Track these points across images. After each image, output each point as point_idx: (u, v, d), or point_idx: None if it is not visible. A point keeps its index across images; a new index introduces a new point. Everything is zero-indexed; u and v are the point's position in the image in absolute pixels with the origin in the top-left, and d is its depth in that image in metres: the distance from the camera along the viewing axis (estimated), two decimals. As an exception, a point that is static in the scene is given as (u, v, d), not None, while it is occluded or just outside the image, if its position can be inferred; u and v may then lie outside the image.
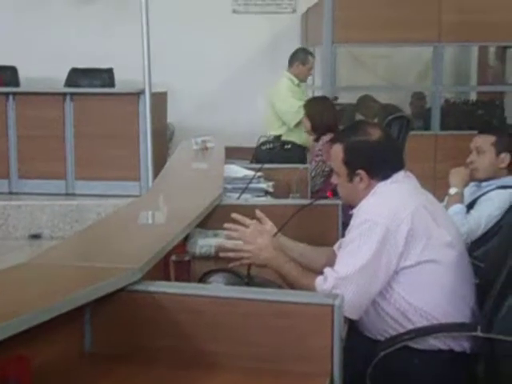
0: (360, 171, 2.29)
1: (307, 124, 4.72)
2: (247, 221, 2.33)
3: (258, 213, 2.38)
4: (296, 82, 6.24)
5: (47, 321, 1.56)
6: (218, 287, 2.07)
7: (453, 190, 3.32)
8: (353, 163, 2.31)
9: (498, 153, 3.34)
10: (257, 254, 2.27)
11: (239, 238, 2.31)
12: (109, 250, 2.25)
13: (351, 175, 2.32)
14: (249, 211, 3.02)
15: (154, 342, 1.82)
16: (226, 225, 2.35)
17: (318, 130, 4.66)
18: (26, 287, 1.79)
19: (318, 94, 6.87)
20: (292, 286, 2.21)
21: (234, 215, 2.35)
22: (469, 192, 3.40)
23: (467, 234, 3.17)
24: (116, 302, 1.82)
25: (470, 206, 3.30)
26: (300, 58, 6.27)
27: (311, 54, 6.39)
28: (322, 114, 4.68)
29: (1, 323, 1.44)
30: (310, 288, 2.13)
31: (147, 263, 1.97)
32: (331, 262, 2.23)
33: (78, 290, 1.70)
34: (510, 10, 6.46)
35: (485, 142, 3.37)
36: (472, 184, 3.44)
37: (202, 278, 2.21)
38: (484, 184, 3.37)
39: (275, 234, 2.37)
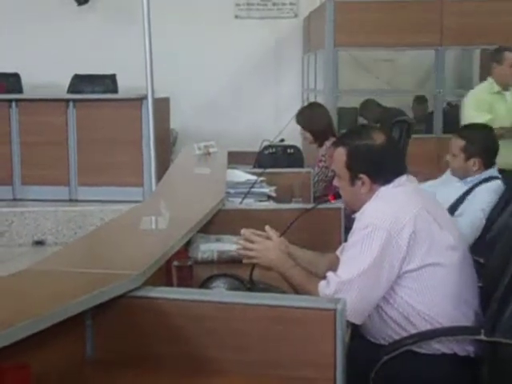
0: (362, 175, 2.29)
1: (307, 135, 4.70)
2: (256, 238, 2.33)
3: (268, 228, 2.37)
4: (496, 89, 4.78)
5: (49, 327, 1.56)
6: (219, 293, 2.07)
7: None
8: (355, 167, 2.30)
9: (467, 158, 3.35)
10: (264, 255, 2.28)
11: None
12: (111, 256, 2.25)
13: (353, 179, 2.31)
14: (251, 216, 3.05)
15: (156, 348, 1.82)
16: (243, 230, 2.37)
17: (319, 137, 4.65)
18: (28, 294, 1.79)
19: (320, 98, 6.87)
20: (296, 289, 2.21)
21: (244, 231, 2.35)
22: (454, 187, 3.40)
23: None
24: (117, 308, 1.81)
25: (460, 202, 3.31)
26: (495, 58, 4.87)
27: (508, 48, 4.94)
28: (317, 120, 4.66)
29: (2, 330, 1.44)
30: (314, 293, 2.13)
31: (149, 269, 1.97)
32: (334, 267, 2.23)
33: (80, 297, 1.70)
34: (510, 14, 6.45)
35: (455, 146, 3.39)
36: (454, 180, 3.45)
37: (204, 284, 2.20)
38: (469, 179, 3.37)
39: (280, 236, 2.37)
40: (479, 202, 3.27)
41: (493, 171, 3.38)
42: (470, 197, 3.34)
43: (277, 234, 2.36)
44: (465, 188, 3.39)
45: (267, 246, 2.29)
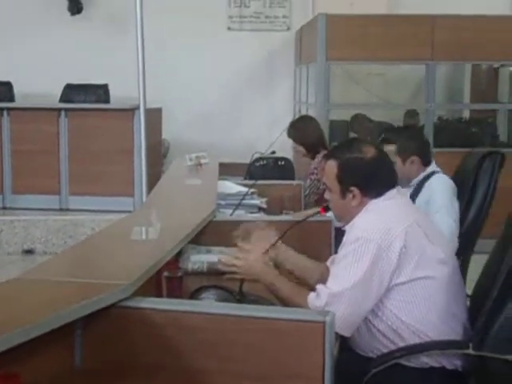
0: (353, 188, 2.30)
1: (300, 149, 4.70)
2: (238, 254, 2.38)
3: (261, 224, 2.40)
4: None
5: (38, 336, 1.56)
6: (209, 304, 2.07)
7: None
8: (346, 180, 2.32)
9: (404, 160, 3.34)
10: (247, 269, 2.29)
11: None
12: (100, 266, 2.24)
13: (344, 192, 2.32)
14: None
15: (145, 358, 1.82)
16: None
17: (311, 150, 4.65)
18: (17, 303, 1.78)
19: (312, 110, 6.90)
20: (284, 302, 2.21)
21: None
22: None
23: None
24: (107, 318, 1.81)
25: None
26: None
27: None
28: (308, 133, 4.67)
29: (-9, 339, 1.44)
30: (303, 305, 2.14)
31: (138, 279, 1.97)
32: (325, 278, 2.24)
33: (69, 306, 1.69)
34: (502, 29, 6.52)
35: (388, 152, 3.38)
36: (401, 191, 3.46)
37: (194, 295, 2.21)
38: (413, 181, 3.38)
39: (266, 251, 2.39)
40: (440, 195, 3.26)
41: (433, 166, 3.37)
42: (421, 197, 3.32)
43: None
44: (410, 190, 3.38)
45: (249, 260, 2.32)
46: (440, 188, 3.30)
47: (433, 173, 3.36)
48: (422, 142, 3.44)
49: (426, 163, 3.38)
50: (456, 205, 3.27)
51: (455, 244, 3.16)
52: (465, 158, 3.45)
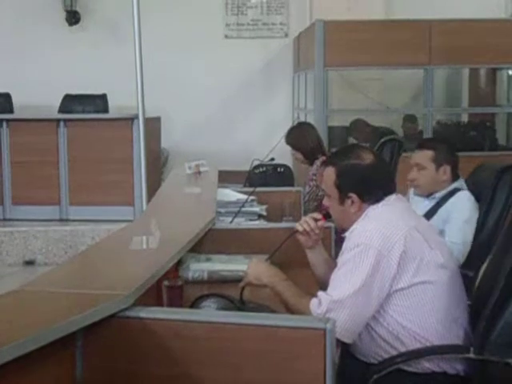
0: (352, 194, 2.30)
1: (298, 156, 4.72)
2: None
3: None
4: None
5: (38, 348, 1.56)
6: (209, 312, 2.06)
7: None
8: (345, 186, 2.32)
9: (438, 167, 3.37)
10: (253, 273, 2.32)
11: None
12: (100, 276, 2.24)
13: (343, 198, 2.33)
14: (241, 235, 3.05)
15: (146, 368, 1.81)
16: None
17: (309, 156, 4.67)
18: (17, 315, 1.78)
19: (310, 117, 6.91)
20: (286, 305, 2.22)
21: None
22: (422, 205, 3.41)
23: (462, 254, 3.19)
24: (107, 328, 1.81)
25: (427, 217, 3.29)
26: None
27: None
28: (306, 139, 4.68)
29: (-9, 351, 1.44)
30: (305, 311, 2.14)
31: (139, 289, 1.97)
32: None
33: (69, 317, 1.69)
34: (499, 33, 6.54)
35: (423, 157, 3.40)
36: (419, 197, 3.46)
37: (194, 303, 2.20)
38: (436, 195, 3.39)
39: (268, 259, 2.41)
40: (459, 215, 3.27)
41: (460, 183, 3.39)
42: (442, 212, 3.33)
43: None
44: (432, 203, 3.39)
45: (255, 264, 2.36)
46: (460, 208, 3.30)
47: (458, 189, 3.36)
48: (456, 157, 3.47)
49: (455, 177, 3.40)
50: (472, 226, 3.26)
51: (460, 260, 3.15)
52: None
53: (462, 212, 3.28)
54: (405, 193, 3.38)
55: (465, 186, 3.37)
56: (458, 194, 3.33)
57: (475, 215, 3.26)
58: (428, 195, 3.43)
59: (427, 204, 3.42)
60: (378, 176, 2.34)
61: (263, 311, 2.12)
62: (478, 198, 3.30)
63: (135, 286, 1.96)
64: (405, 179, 3.49)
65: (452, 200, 3.33)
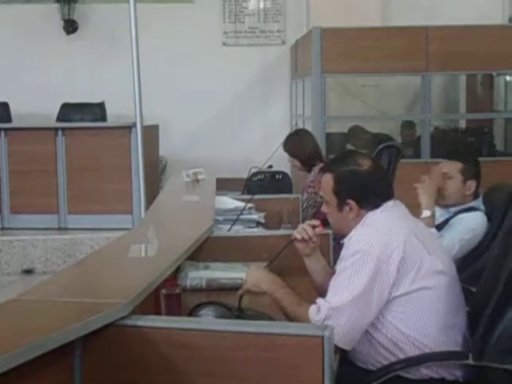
0: (350, 201, 2.31)
1: (296, 163, 4.72)
2: None
3: None
4: None
5: (37, 357, 1.56)
6: (207, 320, 2.06)
7: (425, 213, 3.26)
8: (343, 193, 2.32)
9: (465, 180, 3.36)
10: (253, 280, 2.32)
11: None
12: (99, 285, 2.24)
13: (341, 204, 2.33)
14: (240, 243, 3.05)
15: (145, 377, 1.81)
16: None
17: (306, 163, 4.67)
18: (15, 324, 1.78)
19: (308, 123, 6.92)
20: (285, 312, 2.22)
21: None
22: (439, 214, 3.40)
23: None
24: (105, 336, 1.81)
25: (439, 228, 3.30)
26: None
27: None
28: (303, 146, 4.69)
29: (-12, 361, 1.43)
30: (304, 318, 2.14)
31: (137, 297, 1.97)
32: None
33: (67, 326, 1.69)
34: (495, 39, 6.56)
35: (452, 168, 3.39)
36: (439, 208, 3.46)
37: (193, 312, 2.20)
38: (451, 209, 3.38)
39: (266, 266, 2.41)
40: (461, 230, 3.25)
41: (478, 203, 3.39)
42: (452, 221, 3.33)
43: None
44: (446, 216, 3.38)
45: (255, 271, 2.36)
46: (467, 225, 3.28)
47: (474, 208, 3.35)
48: (480, 174, 3.46)
49: (476, 196, 3.40)
50: (466, 246, 3.23)
51: None
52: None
53: (465, 229, 3.26)
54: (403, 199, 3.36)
55: (482, 207, 3.34)
56: (472, 213, 3.31)
57: (477, 238, 3.24)
58: (446, 206, 3.41)
59: (442, 215, 3.41)
60: (376, 182, 2.35)
61: (262, 319, 2.11)
62: (489, 218, 3.28)
63: (133, 295, 1.96)
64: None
65: (464, 215, 3.32)
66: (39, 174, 6.58)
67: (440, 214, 3.40)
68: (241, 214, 3.64)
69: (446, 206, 3.40)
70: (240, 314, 2.18)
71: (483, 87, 7.92)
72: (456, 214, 3.35)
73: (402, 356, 2.17)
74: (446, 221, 3.35)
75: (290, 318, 2.19)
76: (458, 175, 3.36)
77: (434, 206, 3.32)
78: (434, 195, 3.32)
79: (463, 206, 3.35)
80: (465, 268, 3.10)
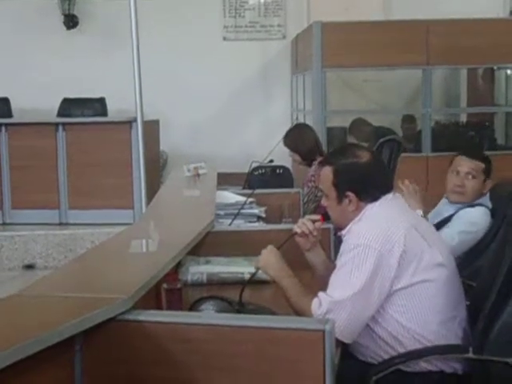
0: (349, 193, 2.31)
1: (296, 157, 4.72)
2: None
3: None
4: None
5: (37, 352, 1.56)
6: (208, 315, 2.07)
7: (418, 212, 3.23)
8: (342, 185, 2.32)
9: (485, 180, 3.40)
10: (264, 263, 2.36)
11: None
12: (100, 280, 2.25)
13: (340, 197, 2.33)
14: (241, 237, 3.05)
15: (146, 371, 1.82)
16: None
17: (307, 157, 4.67)
18: (16, 319, 1.79)
19: (309, 118, 6.91)
20: (289, 303, 2.23)
21: None
22: (444, 209, 3.43)
23: None
24: (107, 331, 1.81)
25: (444, 222, 3.33)
26: None
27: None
28: (303, 140, 4.69)
29: (-11, 356, 1.44)
30: (306, 310, 2.14)
31: (138, 292, 1.97)
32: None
33: (68, 321, 1.69)
34: (496, 32, 6.54)
35: (477, 167, 3.42)
36: (446, 201, 3.47)
37: (194, 306, 2.21)
38: (458, 204, 3.41)
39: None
40: (462, 223, 3.29)
41: (485, 200, 3.42)
42: (454, 216, 3.36)
43: None
44: (451, 211, 3.41)
45: (267, 250, 2.39)
46: (468, 219, 3.31)
47: (480, 204, 3.38)
48: None
49: (486, 193, 3.44)
50: (464, 241, 3.26)
51: None
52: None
53: (466, 222, 3.29)
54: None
55: (489, 204, 3.38)
56: (476, 208, 3.35)
57: (479, 233, 3.27)
58: (456, 202, 3.43)
59: (446, 210, 3.44)
60: (375, 174, 2.35)
61: (262, 313, 2.12)
62: (493, 215, 3.31)
63: (134, 289, 1.96)
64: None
65: (467, 209, 3.34)
66: (40, 170, 6.59)
67: (445, 209, 3.42)
68: (242, 208, 3.64)
69: (462, 203, 3.41)
70: (241, 308, 2.18)
71: (484, 81, 7.91)
72: (460, 209, 3.37)
73: (401, 350, 2.18)
74: (450, 216, 3.37)
75: (293, 307, 2.21)
76: (481, 175, 3.41)
77: (423, 206, 3.35)
78: (420, 195, 3.37)
79: (474, 202, 3.38)
80: (467, 264, 3.11)
